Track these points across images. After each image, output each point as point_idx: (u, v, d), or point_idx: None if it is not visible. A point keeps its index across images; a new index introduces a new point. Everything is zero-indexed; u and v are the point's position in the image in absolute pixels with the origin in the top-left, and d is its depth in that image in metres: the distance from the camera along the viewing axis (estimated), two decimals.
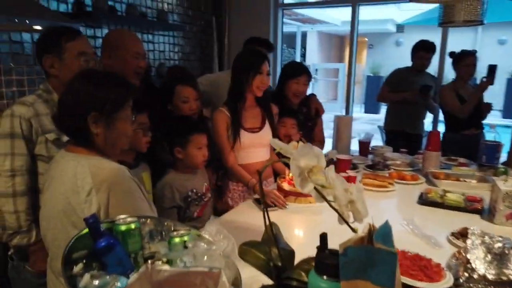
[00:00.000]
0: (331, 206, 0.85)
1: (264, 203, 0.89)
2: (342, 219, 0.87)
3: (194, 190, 1.80)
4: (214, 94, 2.49)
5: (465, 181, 2.12)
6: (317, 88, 13.83)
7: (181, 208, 1.77)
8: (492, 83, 2.96)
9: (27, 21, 2.03)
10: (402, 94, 3.37)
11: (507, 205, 1.54)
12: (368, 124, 11.32)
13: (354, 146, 2.96)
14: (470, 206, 1.72)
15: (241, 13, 4.33)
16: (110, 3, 3.01)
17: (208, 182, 1.92)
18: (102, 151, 1.15)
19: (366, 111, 12.62)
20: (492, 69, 2.95)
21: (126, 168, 1.13)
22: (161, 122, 2.01)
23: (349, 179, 2.14)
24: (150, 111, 1.73)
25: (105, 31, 3.02)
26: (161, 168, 1.96)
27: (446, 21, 2.04)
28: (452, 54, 3.21)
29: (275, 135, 2.13)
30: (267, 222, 0.89)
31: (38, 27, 2.11)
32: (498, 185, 1.58)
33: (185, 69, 2.12)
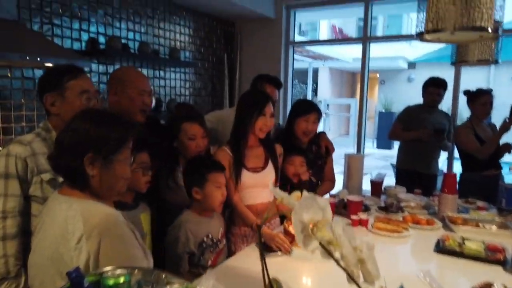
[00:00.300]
0: (338, 264, 0.77)
1: (262, 259, 0.81)
2: (351, 279, 0.78)
3: (210, 236, 1.70)
4: (221, 131, 2.45)
5: (484, 227, 1.99)
6: (328, 123, 13.82)
7: (194, 255, 1.66)
8: None
9: (38, 59, 2.07)
10: (415, 133, 3.28)
11: None
12: (380, 160, 11.15)
13: (366, 185, 2.86)
14: (491, 256, 1.60)
15: (253, 50, 4.39)
16: (123, 41, 3.08)
17: (224, 227, 1.84)
18: (98, 194, 1.09)
19: (378, 147, 12.49)
20: None
21: (119, 213, 1.07)
22: (166, 159, 1.97)
23: (361, 222, 2.04)
24: (154, 149, 1.69)
25: (117, 68, 3.07)
26: (164, 208, 1.90)
27: (460, 60, 2.00)
28: (467, 93, 3.15)
29: (279, 175, 2.07)
30: (267, 281, 0.80)
31: (50, 64, 2.16)
32: None
33: (192, 106, 2.10)
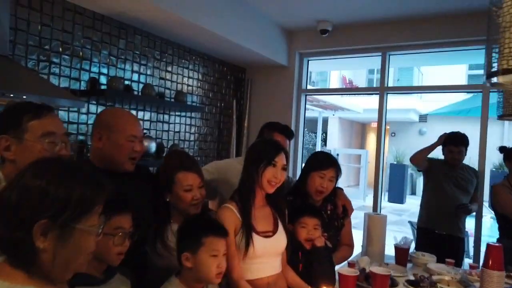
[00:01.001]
0: None
1: None
2: None
3: None
4: (222, 182, 2.16)
5: None
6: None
7: None
8: None
9: (24, 97, 1.85)
10: (434, 145, 3.14)
11: None
12: (393, 215, 10.67)
13: (387, 249, 2.50)
14: None
15: (263, 97, 4.21)
16: (126, 82, 2.90)
17: None
18: (47, 275, 0.80)
19: (390, 200, 12.03)
20: None
21: None
22: (155, 218, 1.67)
23: None
24: (140, 209, 1.39)
25: None
26: (152, 277, 1.57)
27: (509, 113, 1.73)
28: (503, 149, 2.87)
29: (290, 239, 1.74)
30: None
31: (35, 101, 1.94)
32: None
33: (187, 153, 1.82)
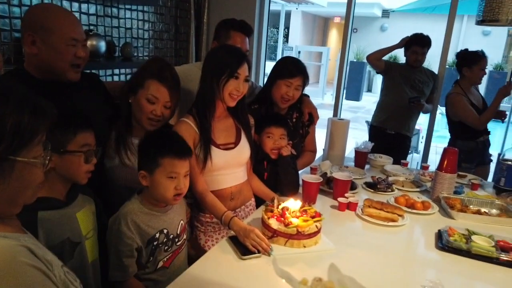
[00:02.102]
0: None
1: None
2: None
3: (165, 231, 1.33)
4: (183, 91, 2.01)
5: (486, 213, 1.78)
6: None
7: (141, 255, 1.30)
8: None
9: None
10: (393, 47, 3.17)
11: None
12: (349, 112, 11.08)
13: (347, 152, 2.58)
14: (504, 258, 1.37)
15: None
16: None
17: (186, 217, 1.48)
18: None
19: (347, 98, 12.35)
20: None
21: (22, 247, 0.69)
22: (113, 129, 1.55)
23: (349, 207, 1.76)
24: (97, 122, 1.26)
25: (56, 2, 2.46)
26: (113, 193, 1.51)
27: (489, 19, 1.64)
28: (462, 55, 2.85)
29: (255, 150, 1.71)
30: None
31: None
32: None
33: (171, 67, 1.60)
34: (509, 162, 1.97)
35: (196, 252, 1.54)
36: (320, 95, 12.14)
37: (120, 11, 2.96)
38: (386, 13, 13.93)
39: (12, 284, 0.65)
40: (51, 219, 1.11)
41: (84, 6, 2.65)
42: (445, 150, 1.92)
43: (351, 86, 12.27)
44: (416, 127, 5.35)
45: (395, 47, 3.18)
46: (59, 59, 1.33)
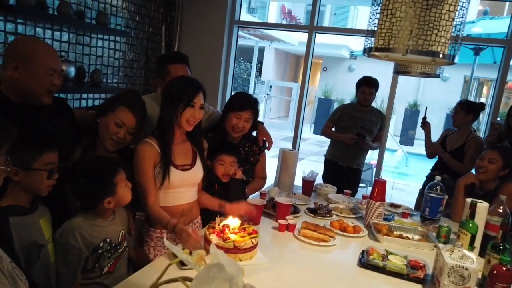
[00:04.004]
0: None
1: None
2: None
3: (108, 240, 1.47)
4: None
5: (408, 237, 2.01)
6: (270, 104, 13.84)
7: (87, 261, 1.43)
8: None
9: None
10: (341, 136, 3.46)
11: (452, 281, 1.41)
12: (316, 146, 11.45)
13: (298, 181, 2.80)
14: (412, 274, 1.58)
15: (195, 24, 4.07)
16: None
17: (127, 226, 1.62)
18: None
19: (315, 132, 12.79)
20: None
21: None
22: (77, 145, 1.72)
23: (288, 228, 1.95)
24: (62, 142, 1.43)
25: (30, 28, 2.62)
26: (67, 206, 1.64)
27: (402, 71, 1.94)
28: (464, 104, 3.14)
29: (207, 172, 1.89)
30: None
31: None
32: (444, 256, 1.45)
33: (141, 98, 1.82)
34: (433, 194, 2.22)
35: (144, 263, 1.67)
36: (290, 128, 12.54)
37: (92, 39, 3.14)
38: (353, 55, 14.79)
39: None
40: (20, 223, 1.26)
41: (56, 34, 2.82)
42: (375, 181, 2.16)
43: (319, 121, 12.75)
44: (371, 162, 5.70)
45: (341, 137, 3.45)
46: (37, 85, 1.50)
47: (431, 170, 3.22)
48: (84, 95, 3.17)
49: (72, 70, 2.81)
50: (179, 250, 0.64)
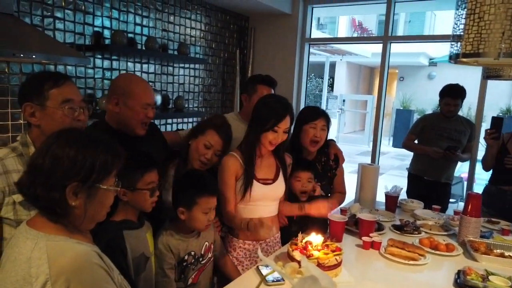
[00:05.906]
0: None
1: None
2: None
3: (192, 253, 1.58)
4: None
5: (510, 256, 1.81)
6: (344, 119, 13.55)
7: (176, 271, 1.57)
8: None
9: (33, 56, 1.95)
10: (426, 150, 3.18)
11: None
12: (396, 160, 10.89)
13: (380, 196, 2.68)
14: None
15: (266, 46, 4.21)
16: (130, 35, 2.94)
17: (213, 238, 1.71)
18: (76, 226, 0.97)
19: (394, 145, 12.19)
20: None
21: (93, 252, 0.94)
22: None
23: (373, 245, 1.88)
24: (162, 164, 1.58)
25: (123, 63, 2.94)
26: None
27: (493, 75, 1.79)
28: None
29: (288, 188, 1.92)
30: None
31: (45, 61, 2.06)
32: None
33: (229, 125, 1.96)
34: None
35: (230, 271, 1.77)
36: (366, 142, 12.12)
37: (174, 69, 3.41)
38: (433, 62, 13.95)
39: (88, 277, 0.89)
40: (132, 237, 1.41)
41: (144, 66, 3.12)
42: (469, 194, 1.99)
43: (398, 134, 12.15)
44: (462, 175, 5.23)
45: (426, 150, 3.17)
46: (134, 118, 1.67)
47: (490, 183, 2.88)
48: (169, 120, 3.44)
49: (158, 98, 3.07)
50: (272, 263, 0.66)
